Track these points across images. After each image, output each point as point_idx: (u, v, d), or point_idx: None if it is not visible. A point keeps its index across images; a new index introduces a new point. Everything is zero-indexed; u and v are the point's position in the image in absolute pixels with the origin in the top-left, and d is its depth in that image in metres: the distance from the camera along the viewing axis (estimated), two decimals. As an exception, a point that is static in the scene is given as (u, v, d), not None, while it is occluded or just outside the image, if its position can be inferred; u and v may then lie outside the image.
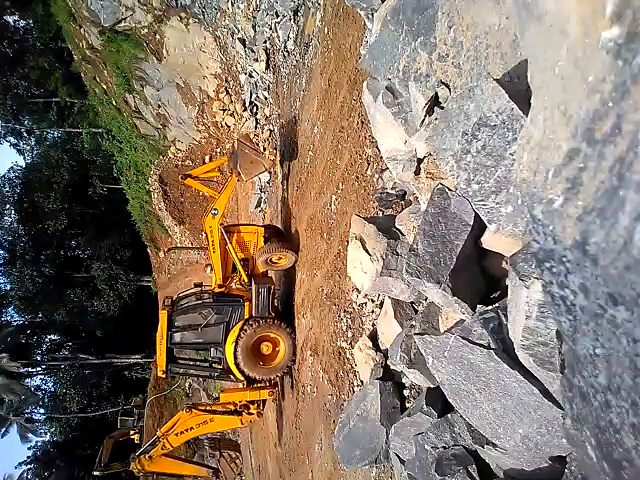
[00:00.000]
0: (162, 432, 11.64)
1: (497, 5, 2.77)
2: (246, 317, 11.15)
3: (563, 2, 1.28)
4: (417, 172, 4.08)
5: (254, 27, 15.78)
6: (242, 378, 11.33)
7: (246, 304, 11.22)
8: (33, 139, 40.89)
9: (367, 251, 4.79)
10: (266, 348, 11.35)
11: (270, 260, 11.15)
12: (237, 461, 13.73)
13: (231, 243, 11.07)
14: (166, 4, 18.31)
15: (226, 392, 12.44)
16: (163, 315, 11.03)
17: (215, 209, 10.65)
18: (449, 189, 3.39)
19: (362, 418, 5.46)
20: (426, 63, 3.47)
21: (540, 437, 2.69)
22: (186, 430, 11.58)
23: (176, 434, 11.57)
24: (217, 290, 11.33)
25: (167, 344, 11.11)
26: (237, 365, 11.04)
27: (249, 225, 12.13)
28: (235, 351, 10.92)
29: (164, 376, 11.91)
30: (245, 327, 10.95)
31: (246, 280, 11.36)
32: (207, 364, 12.68)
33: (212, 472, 13.30)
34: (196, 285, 12.05)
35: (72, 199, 35.25)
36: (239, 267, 11.22)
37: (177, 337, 11.22)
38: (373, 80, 4.44)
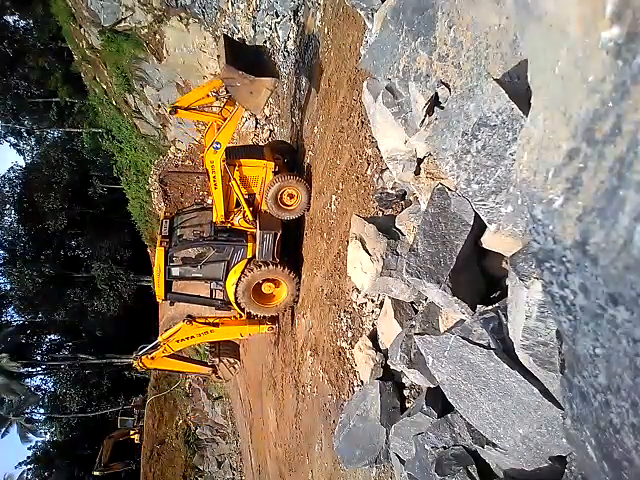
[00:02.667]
0: (163, 339, 11.94)
1: (497, 5, 2.77)
2: (249, 257, 10.64)
3: (563, 2, 1.28)
4: (417, 172, 4.09)
5: (254, 27, 15.78)
6: (242, 313, 11.46)
7: (249, 244, 10.61)
8: (33, 139, 40.84)
9: (367, 251, 4.79)
10: (268, 288, 11.22)
11: (281, 200, 10.18)
12: (235, 365, 14.22)
13: (235, 179, 10.05)
14: (166, 4, 18.30)
15: (226, 324, 12.40)
16: (160, 251, 10.58)
17: (218, 142, 9.30)
18: (449, 189, 3.39)
19: (362, 418, 5.46)
20: (426, 63, 3.47)
21: (540, 437, 2.69)
22: (187, 338, 11.86)
23: (177, 341, 11.90)
24: (219, 224, 10.55)
25: (165, 278, 10.88)
26: (237, 302, 11.03)
27: (256, 159, 10.31)
28: (236, 290, 10.83)
29: (163, 302, 11.88)
30: (247, 269, 10.65)
31: (251, 218, 10.51)
32: (207, 294, 12.31)
33: (211, 370, 13.68)
34: (197, 204, 11.64)
35: (72, 199, 35.20)
36: (244, 205, 10.29)
37: (175, 271, 11.00)
38: (373, 80, 4.44)
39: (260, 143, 16.29)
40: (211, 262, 10.79)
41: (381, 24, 4.16)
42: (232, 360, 13.85)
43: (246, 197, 10.38)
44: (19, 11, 34.68)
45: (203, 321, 11.83)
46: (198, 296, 12.40)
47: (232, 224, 10.74)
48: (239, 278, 10.68)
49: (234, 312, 11.96)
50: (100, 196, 35.71)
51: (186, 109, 9.70)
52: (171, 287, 11.37)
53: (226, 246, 10.70)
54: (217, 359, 13.51)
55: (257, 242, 10.42)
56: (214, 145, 9.39)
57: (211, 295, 12.10)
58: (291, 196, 10.31)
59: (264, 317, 11.81)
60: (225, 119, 9.54)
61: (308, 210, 10.20)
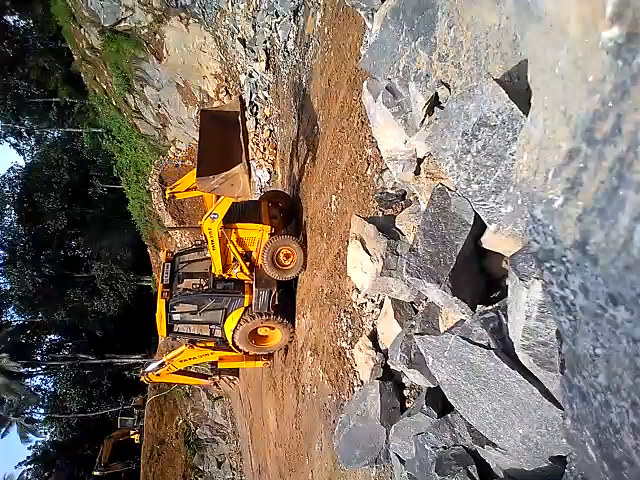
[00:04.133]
0: (168, 359, 13.23)
1: (497, 5, 2.77)
2: (246, 305, 11.16)
3: (563, 2, 1.28)
4: (417, 172, 4.09)
5: (254, 27, 15.77)
6: (240, 352, 12.43)
7: (246, 295, 11.11)
8: (33, 139, 40.82)
9: (367, 251, 4.80)
10: (264, 331, 11.93)
11: (277, 260, 10.65)
12: (235, 382, 15.44)
13: (232, 242, 10.56)
14: (166, 4, 18.30)
15: (224, 360, 13.43)
16: (161, 303, 11.16)
17: (215, 213, 9.92)
18: (449, 189, 3.39)
19: (362, 418, 5.46)
20: (426, 63, 3.47)
21: (540, 437, 2.69)
22: (189, 359, 13.08)
23: (180, 360, 13.16)
24: (217, 275, 11.07)
25: (167, 322, 11.54)
26: (235, 345, 11.83)
27: (253, 222, 10.83)
28: (233, 336, 11.53)
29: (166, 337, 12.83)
30: (243, 318, 11.26)
31: (247, 272, 11.04)
32: (208, 333, 13.07)
33: (212, 382, 14.94)
34: (196, 245, 12.05)
35: (72, 199, 35.21)
36: (241, 262, 10.77)
37: (176, 316, 11.68)
38: (373, 80, 4.44)
39: (260, 143, 16.28)
40: (210, 310, 11.50)
41: (381, 24, 4.16)
42: (231, 377, 15.13)
43: (243, 254, 10.95)
44: (19, 11, 34.68)
45: (203, 346, 12.84)
46: (198, 334, 13.21)
47: (230, 275, 11.32)
48: (236, 326, 11.42)
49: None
50: (100, 196, 35.71)
51: (185, 191, 10.47)
52: (172, 328, 12.10)
53: (224, 296, 11.38)
54: (217, 376, 14.61)
55: (253, 296, 11.05)
56: (212, 215, 9.97)
57: (211, 334, 12.80)
58: (287, 256, 10.70)
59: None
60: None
61: (305, 269, 10.68)
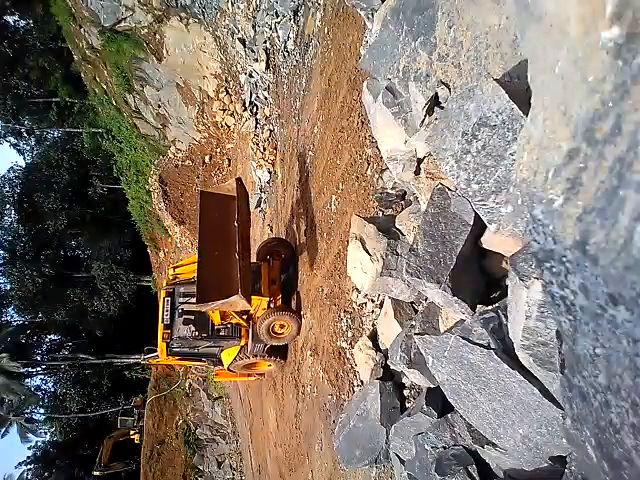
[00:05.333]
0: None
1: (497, 5, 2.77)
2: (242, 344, 11.75)
3: (563, 2, 1.28)
4: (417, 172, 4.09)
5: (254, 27, 15.78)
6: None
7: (243, 339, 11.68)
8: (33, 139, 40.81)
9: (367, 251, 4.80)
10: (259, 364, 12.77)
11: (273, 329, 11.09)
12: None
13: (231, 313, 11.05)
14: (166, 4, 18.30)
15: (219, 375, 14.32)
16: (162, 344, 11.89)
17: None
18: (449, 189, 3.39)
19: (362, 418, 5.46)
20: (426, 63, 3.48)
21: (540, 437, 2.69)
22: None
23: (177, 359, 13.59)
24: (216, 324, 11.53)
25: (167, 353, 12.22)
26: (230, 370, 12.70)
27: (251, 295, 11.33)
28: (229, 366, 12.28)
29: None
30: (239, 357, 11.92)
31: (245, 325, 11.52)
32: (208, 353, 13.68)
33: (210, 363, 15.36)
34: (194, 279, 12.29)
35: (72, 199, 35.18)
36: (238, 320, 11.19)
37: (176, 349, 12.27)
38: (373, 80, 4.44)
39: (260, 143, 16.27)
40: (207, 346, 12.14)
41: (381, 24, 4.16)
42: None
43: (241, 312, 11.22)
44: (19, 11, 34.68)
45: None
46: (196, 354, 13.64)
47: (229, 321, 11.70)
48: (232, 362, 12.04)
49: None
50: (100, 196, 35.70)
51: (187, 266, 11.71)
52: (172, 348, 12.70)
53: (222, 340, 11.94)
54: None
55: (248, 344, 11.61)
56: None
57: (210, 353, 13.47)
58: (282, 326, 11.04)
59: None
60: None
61: (298, 334, 11.10)
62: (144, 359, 14.79)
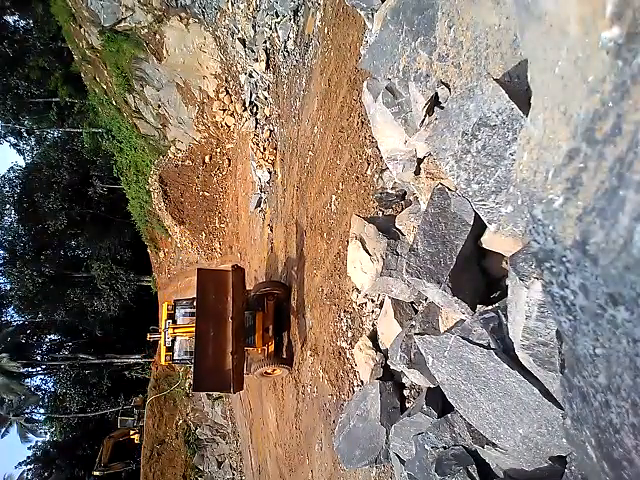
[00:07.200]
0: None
1: (497, 5, 2.77)
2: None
3: (563, 2, 1.28)
4: (417, 172, 4.09)
5: (254, 27, 15.77)
6: None
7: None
8: (33, 139, 40.82)
9: (367, 251, 4.80)
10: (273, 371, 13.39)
11: (265, 372, 12.00)
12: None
13: None
14: (166, 4, 18.30)
15: None
16: (165, 364, 13.21)
17: None
18: (449, 189, 3.39)
19: (362, 418, 5.46)
20: (426, 63, 3.48)
21: (540, 437, 2.69)
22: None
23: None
24: None
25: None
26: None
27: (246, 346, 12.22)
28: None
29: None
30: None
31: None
32: None
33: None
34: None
35: (72, 199, 35.19)
36: None
37: (177, 359, 13.20)
38: (373, 80, 4.44)
39: (260, 143, 16.26)
40: None
41: (381, 24, 4.16)
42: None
43: None
44: (19, 11, 34.70)
45: None
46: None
47: None
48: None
49: None
50: (100, 196, 35.71)
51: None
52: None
53: None
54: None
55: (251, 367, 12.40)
56: None
57: None
58: (274, 370, 11.98)
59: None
60: None
61: (290, 373, 11.79)
62: (150, 338, 16.31)
